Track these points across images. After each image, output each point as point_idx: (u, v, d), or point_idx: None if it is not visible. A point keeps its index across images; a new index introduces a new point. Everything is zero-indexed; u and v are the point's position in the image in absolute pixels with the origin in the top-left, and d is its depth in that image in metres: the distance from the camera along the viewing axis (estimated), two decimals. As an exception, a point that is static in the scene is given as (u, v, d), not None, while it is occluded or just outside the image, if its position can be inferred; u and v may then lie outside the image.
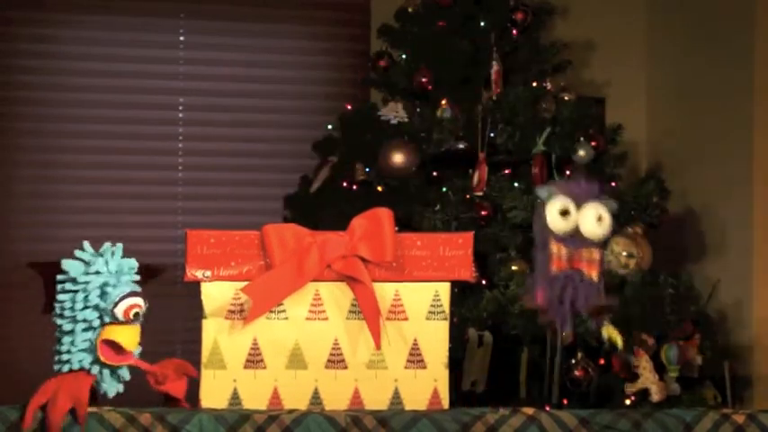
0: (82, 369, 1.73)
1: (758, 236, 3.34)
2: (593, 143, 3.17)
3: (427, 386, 1.88)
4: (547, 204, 1.84)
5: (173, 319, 3.49)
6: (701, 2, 3.71)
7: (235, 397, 1.85)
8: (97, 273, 1.72)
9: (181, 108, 3.85)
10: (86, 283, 1.71)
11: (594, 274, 1.79)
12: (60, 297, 1.71)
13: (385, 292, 1.87)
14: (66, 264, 1.72)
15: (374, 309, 1.83)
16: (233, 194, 3.88)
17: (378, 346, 1.85)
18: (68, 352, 1.72)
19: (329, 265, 1.85)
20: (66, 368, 1.72)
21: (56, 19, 3.76)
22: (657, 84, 3.99)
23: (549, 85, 3.24)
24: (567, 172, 3.12)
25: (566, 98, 3.21)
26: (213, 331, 1.85)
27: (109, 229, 3.76)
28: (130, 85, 3.80)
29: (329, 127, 3.50)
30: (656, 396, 2.98)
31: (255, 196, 3.87)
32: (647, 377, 2.99)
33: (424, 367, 1.88)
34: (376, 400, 1.86)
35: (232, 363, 1.85)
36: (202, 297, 1.86)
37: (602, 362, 3.00)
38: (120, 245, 1.77)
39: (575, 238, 1.80)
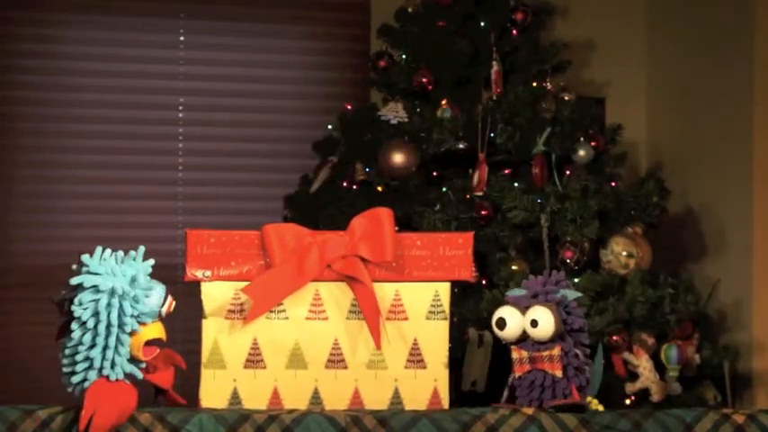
0: (125, 375, 1.72)
1: (758, 236, 3.34)
2: (593, 143, 3.17)
3: (427, 386, 1.88)
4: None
5: (173, 319, 3.49)
6: (701, 2, 3.71)
7: (235, 397, 1.85)
8: (134, 280, 1.69)
9: (181, 108, 3.85)
10: (127, 293, 1.67)
11: (557, 372, 1.80)
12: (103, 314, 1.66)
13: (385, 292, 1.87)
14: (100, 281, 1.66)
15: (374, 309, 1.83)
16: (233, 194, 3.88)
17: (378, 346, 1.85)
18: (113, 361, 1.69)
19: (329, 264, 1.85)
20: (113, 377, 1.70)
21: (56, 19, 3.76)
22: (657, 84, 3.99)
23: (549, 85, 3.24)
24: (567, 172, 3.12)
25: (566, 98, 3.21)
26: (213, 331, 1.85)
27: (109, 230, 3.76)
28: (130, 85, 3.80)
29: (329, 127, 3.50)
30: (656, 396, 2.99)
31: (255, 196, 3.87)
32: (647, 377, 2.99)
33: (424, 367, 1.88)
34: (376, 400, 1.86)
35: (232, 363, 1.85)
36: (202, 297, 1.86)
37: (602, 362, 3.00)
38: (142, 248, 1.74)
39: (530, 340, 1.82)
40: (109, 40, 3.78)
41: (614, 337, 2.95)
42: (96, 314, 1.67)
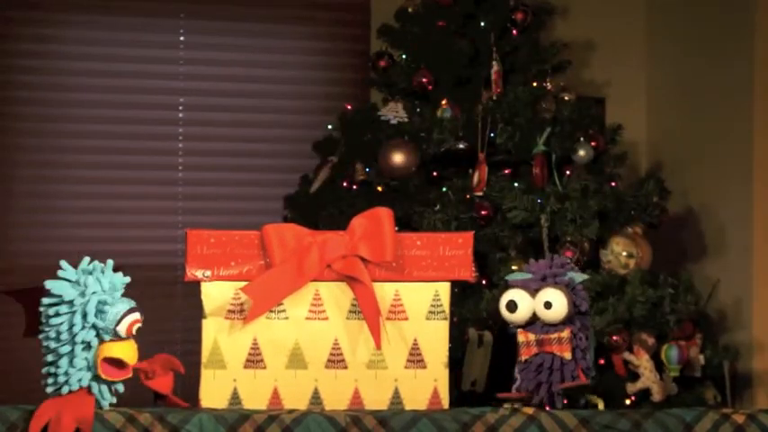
0: (81, 388, 1.72)
1: (758, 236, 3.33)
2: (593, 143, 3.17)
3: (427, 386, 1.88)
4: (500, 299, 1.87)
5: (173, 319, 3.50)
6: (701, 2, 3.70)
7: (235, 397, 1.85)
8: (93, 292, 1.69)
9: (181, 108, 3.85)
10: (83, 304, 1.68)
11: (567, 354, 1.80)
12: (54, 321, 1.69)
13: (385, 292, 1.87)
14: (57, 286, 1.69)
15: (374, 309, 1.83)
16: (233, 194, 3.88)
17: (378, 346, 1.85)
18: (66, 373, 1.70)
19: (329, 264, 1.85)
20: (65, 390, 1.70)
21: (56, 19, 3.76)
22: (657, 84, 3.99)
23: (549, 85, 3.24)
24: (567, 172, 3.12)
25: (566, 98, 3.21)
26: (213, 331, 1.85)
27: (109, 230, 3.76)
28: (130, 85, 3.80)
29: (329, 127, 3.50)
30: (657, 396, 2.99)
31: (255, 196, 3.87)
32: (648, 377, 2.99)
33: (424, 367, 1.88)
34: (376, 400, 1.86)
35: (232, 363, 1.85)
36: (202, 297, 1.86)
37: (602, 362, 3.01)
38: (110, 261, 1.74)
39: (539, 322, 1.82)
40: (109, 40, 3.78)
41: (614, 337, 2.95)
42: (47, 319, 1.69)
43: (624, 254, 3.05)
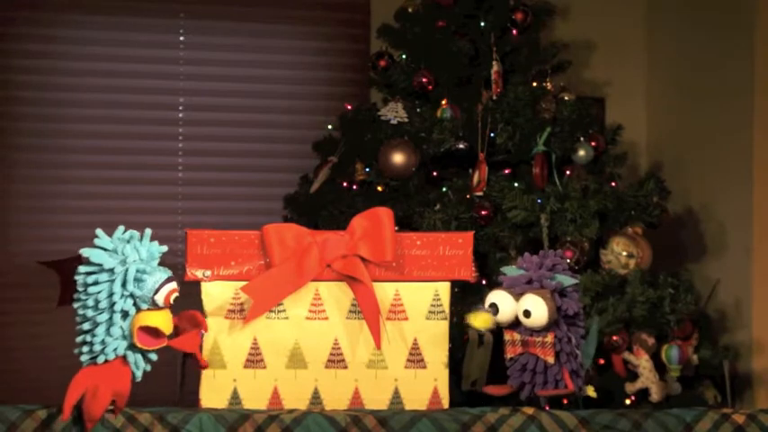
0: (117, 358, 1.71)
1: (758, 236, 3.34)
2: (593, 143, 3.17)
3: (427, 386, 1.88)
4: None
5: (173, 319, 3.50)
6: (701, 2, 3.71)
7: (235, 397, 1.85)
8: (133, 261, 1.69)
9: (181, 108, 3.85)
10: (123, 272, 1.68)
11: (550, 358, 1.79)
12: (93, 289, 1.68)
13: (385, 291, 1.87)
14: (96, 254, 1.70)
15: (374, 308, 1.83)
16: (233, 194, 3.88)
17: (378, 346, 1.85)
18: (102, 342, 1.69)
19: (329, 264, 1.85)
20: (101, 359, 1.69)
21: (56, 19, 3.76)
22: (657, 84, 3.99)
23: (549, 85, 3.24)
24: (567, 172, 3.13)
25: (566, 98, 3.21)
26: (213, 331, 1.85)
27: (109, 230, 3.75)
28: (130, 85, 3.80)
29: (329, 127, 3.50)
30: (656, 396, 2.99)
31: (255, 196, 3.87)
32: (648, 377, 2.99)
33: (424, 367, 1.88)
34: (376, 399, 1.86)
35: (232, 362, 1.85)
36: (202, 297, 1.86)
37: (601, 362, 3.01)
38: (148, 230, 1.75)
39: (524, 325, 1.81)
40: (109, 40, 3.78)
41: (614, 337, 2.95)
42: (86, 288, 1.68)
43: (624, 254, 3.05)
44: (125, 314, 1.70)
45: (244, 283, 1.83)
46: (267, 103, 3.91)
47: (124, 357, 1.72)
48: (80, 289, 1.69)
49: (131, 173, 3.80)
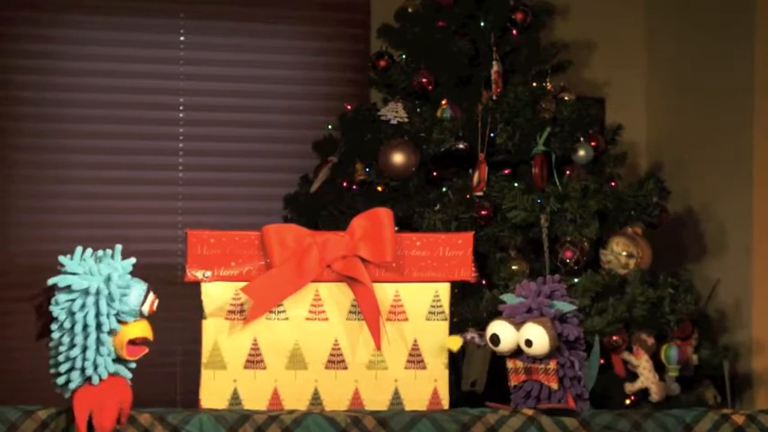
0: (108, 374, 1.71)
1: (758, 236, 3.34)
2: (593, 143, 3.17)
3: (427, 386, 1.88)
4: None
5: (173, 320, 3.49)
6: (701, 2, 3.71)
7: (235, 397, 1.85)
8: (109, 279, 1.68)
9: (181, 108, 3.85)
10: (106, 290, 1.67)
11: (554, 384, 1.79)
12: (80, 314, 1.66)
13: (385, 292, 1.87)
14: (78, 280, 1.67)
15: (374, 309, 1.83)
16: (233, 194, 3.88)
17: (378, 347, 1.85)
18: (94, 363, 1.69)
19: (329, 265, 1.85)
20: (95, 379, 1.69)
21: (56, 19, 3.76)
22: (657, 84, 3.99)
23: (549, 85, 3.24)
24: (567, 172, 3.12)
25: (566, 98, 3.21)
26: (213, 331, 1.85)
27: (109, 230, 3.76)
28: (131, 85, 3.80)
29: (329, 127, 3.50)
30: (656, 396, 2.99)
31: (255, 196, 3.87)
32: (647, 377, 2.99)
33: (424, 367, 1.88)
34: (376, 400, 1.86)
35: (232, 363, 1.85)
36: (202, 297, 1.86)
37: (601, 362, 3.01)
38: (118, 246, 1.73)
39: (526, 354, 1.81)
40: (109, 40, 3.78)
41: (614, 337, 2.95)
42: (72, 314, 1.67)
43: (624, 254, 3.05)
44: (112, 331, 1.70)
45: (244, 283, 1.83)
46: (267, 103, 3.91)
47: (116, 372, 1.72)
48: (63, 316, 1.67)
49: (131, 173, 3.80)
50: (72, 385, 1.70)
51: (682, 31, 3.83)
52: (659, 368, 3.03)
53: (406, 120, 3.17)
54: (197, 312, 1.87)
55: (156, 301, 1.74)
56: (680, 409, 1.86)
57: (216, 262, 1.86)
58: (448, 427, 1.74)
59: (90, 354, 1.68)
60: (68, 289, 1.67)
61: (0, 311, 3.68)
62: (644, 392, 3.02)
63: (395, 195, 3.16)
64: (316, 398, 1.85)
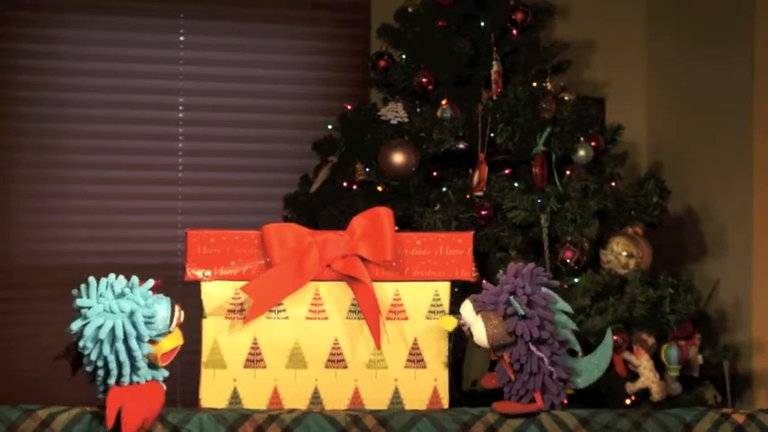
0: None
1: (758, 236, 3.34)
2: (593, 143, 3.17)
3: (427, 386, 1.88)
4: None
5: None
6: (701, 2, 3.71)
7: (235, 396, 1.85)
8: (132, 314, 1.66)
9: (181, 108, 3.86)
10: (134, 334, 1.66)
11: (511, 375, 1.80)
12: (111, 357, 1.65)
13: (385, 291, 1.87)
14: (103, 331, 1.64)
15: (374, 308, 1.83)
16: (233, 194, 3.89)
17: (378, 346, 1.85)
18: (131, 379, 1.70)
19: (329, 264, 1.85)
20: (134, 381, 1.71)
21: (56, 19, 3.76)
22: (657, 84, 3.99)
23: (549, 85, 3.24)
24: (567, 172, 3.12)
25: (566, 98, 3.21)
26: (213, 331, 1.85)
27: (109, 230, 3.76)
28: (130, 85, 3.80)
29: (329, 127, 3.50)
30: (656, 396, 2.99)
31: (255, 196, 3.87)
32: (648, 377, 2.99)
33: (424, 367, 1.88)
34: (376, 399, 1.86)
35: (232, 362, 1.85)
36: (202, 297, 1.86)
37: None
38: (134, 278, 1.71)
39: None
40: (109, 40, 3.79)
41: (615, 337, 2.95)
42: (104, 357, 1.66)
43: (624, 254, 3.05)
44: (145, 356, 1.71)
45: (244, 283, 1.83)
46: (267, 103, 3.92)
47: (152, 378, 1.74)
48: (95, 357, 1.65)
49: (131, 173, 3.80)
50: (111, 381, 1.70)
51: (682, 31, 3.83)
52: (660, 368, 3.03)
53: (406, 120, 3.17)
54: (197, 312, 1.87)
55: (183, 313, 1.75)
56: (680, 408, 1.85)
57: (216, 261, 1.85)
58: (448, 427, 1.74)
59: (125, 372, 1.69)
60: (94, 335, 1.65)
61: (0, 311, 3.68)
62: (644, 392, 3.02)
63: (395, 195, 3.16)
64: (316, 397, 1.85)
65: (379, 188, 3.22)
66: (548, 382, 1.79)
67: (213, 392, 1.84)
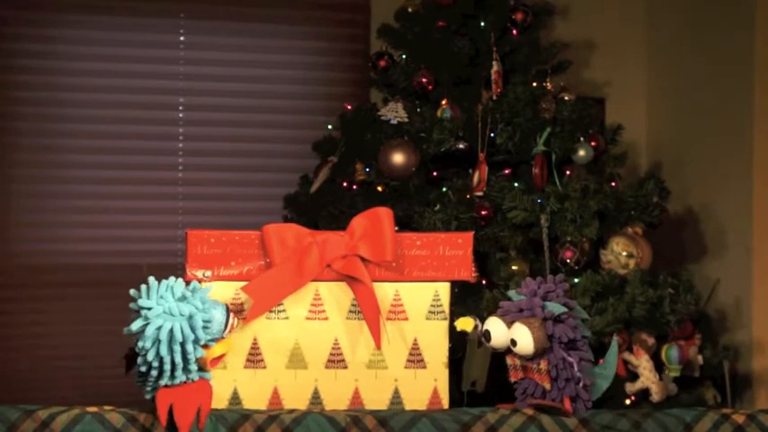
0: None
1: (758, 236, 3.34)
2: (593, 143, 3.17)
3: (427, 386, 1.88)
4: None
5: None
6: (701, 2, 3.71)
7: (235, 397, 1.85)
8: (191, 318, 1.68)
9: (181, 108, 3.86)
10: (192, 338, 1.68)
11: (546, 384, 1.79)
12: (167, 358, 1.67)
13: (385, 292, 1.87)
14: (162, 330, 1.65)
15: (374, 309, 1.83)
16: (233, 194, 3.89)
17: (378, 346, 1.85)
18: (181, 377, 1.72)
19: (329, 264, 1.85)
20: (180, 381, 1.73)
21: (56, 19, 3.76)
22: (657, 84, 3.99)
23: (549, 85, 3.24)
24: (567, 172, 3.13)
25: (566, 98, 3.21)
26: (213, 331, 1.85)
27: (109, 230, 3.76)
28: (131, 85, 3.81)
29: (329, 127, 3.50)
30: (656, 396, 2.99)
31: (255, 196, 3.87)
32: (648, 377, 2.99)
33: (424, 367, 1.88)
34: (376, 399, 1.86)
35: (232, 363, 1.85)
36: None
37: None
38: (195, 283, 1.73)
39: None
40: (109, 40, 3.79)
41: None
42: (160, 357, 1.67)
43: (624, 254, 3.05)
44: (197, 360, 1.72)
45: (244, 283, 1.83)
46: (267, 103, 3.92)
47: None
48: (151, 357, 1.66)
49: (131, 173, 3.80)
50: (163, 382, 1.72)
51: (682, 31, 3.83)
52: (660, 368, 3.03)
53: (406, 120, 3.17)
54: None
55: (236, 321, 1.76)
56: (680, 408, 1.85)
57: (216, 261, 1.85)
58: (448, 427, 1.74)
59: (178, 374, 1.70)
60: (155, 334, 1.66)
61: (0, 311, 3.68)
62: (644, 392, 3.02)
63: (395, 195, 3.16)
64: (316, 397, 1.85)
65: (379, 188, 3.22)
66: (578, 390, 1.79)
67: (213, 393, 1.84)
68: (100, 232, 3.76)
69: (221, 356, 1.78)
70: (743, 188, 3.37)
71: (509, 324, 1.80)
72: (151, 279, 1.70)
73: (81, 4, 3.78)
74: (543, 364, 1.79)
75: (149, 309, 1.66)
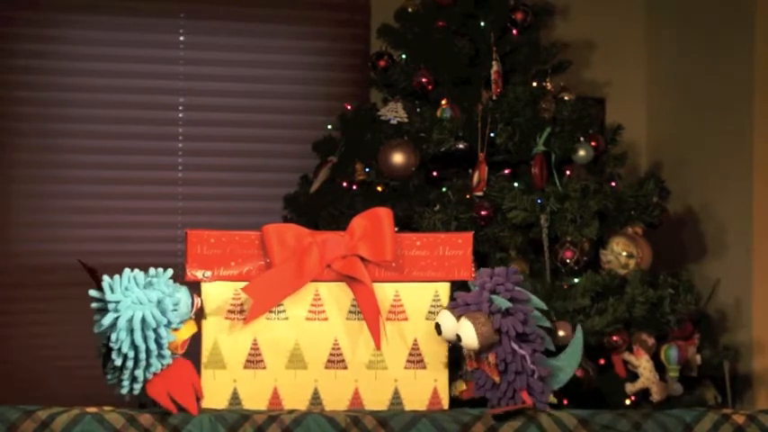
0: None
1: (758, 235, 3.34)
2: (593, 143, 3.17)
3: (427, 386, 1.88)
4: None
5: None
6: (701, 2, 3.71)
7: (235, 397, 1.85)
8: (160, 303, 1.70)
9: (181, 108, 3.85)
10: (165, 321, 1.70)
11: (495, 377, 1.79)
12: (141, 345, 1.69)
13: (385, 292, 1.87)
14: (135, 318, 1.68)
15: (374, 309, 1.83)
16: (233, 194, 3.89)
17: (378, 346, 1.85)
18: (154, 368, 1.74)
19: (329, 264, 1.85)
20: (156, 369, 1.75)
21: (56, 19, 3.76)
22: (657, 84, 3.99)
23: (549, 85, 3.24)
24: (567, 172, 3.12)
25: (566, 98, 3.21)
26: (213, 331, 1.85)
27: (109, 230, 3.76)
28: (130, 85, 3.80)
29: (329, 127, 3.50)
30: (656, 396, 2.99)
31: (255, 196, 3.87)
32: (648, 377, 2.99)
33: (424, 367, 1.88)
34: (376, 400, 1.86)
35: (232, 363, 1.85)
36: (202, 297, 1.86)
37: (602, 362, 3.01)
38: (160, 270, 1.75)
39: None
40: (109, 40, 3.78)
41: (614, 337, 2.95)
42: (135, 347, 1.69)
43: (624, 254, 3.05)
44: (169, 343, 1.74)
45: (244, 283, 1.83)
46: (267, 103, 3.92)
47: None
48: (126, 348, 1.68)
49: (131, 173, 3.80)
50: (138, 385, 1.74)
51: (682, 31, 3.83)
52: (660, 368, 3.03)
53: (406, 120, 3.17)
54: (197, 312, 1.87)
55: (200, 301, 1.80)
56: (680, 409, 1.85)
57: (216, 262, 1.85)
58: (448, 427, 1.74)
59: (153, 361, 1.72)
60: (127, 324, 1.68)
61: (0, 311, 3.68)
62: (644, 393, 3.02)
63: (395, 195, 3.16)
64: (315, 398, 1.85)
65: (379, 188, 3.22)
66: (531, 382, 1.78)
67: (213, 393, 1.84)
68: (100, 232, 3.76)
69: (188, 339, 1.79)
70: (743, 188, 3.37)
71: (457, 318, 1.80)
72: (110, 276, 1.69)
73: (81, 4, 3.77)
74: (491, 358, 1.79)
75: (118, 302, 1.67)
